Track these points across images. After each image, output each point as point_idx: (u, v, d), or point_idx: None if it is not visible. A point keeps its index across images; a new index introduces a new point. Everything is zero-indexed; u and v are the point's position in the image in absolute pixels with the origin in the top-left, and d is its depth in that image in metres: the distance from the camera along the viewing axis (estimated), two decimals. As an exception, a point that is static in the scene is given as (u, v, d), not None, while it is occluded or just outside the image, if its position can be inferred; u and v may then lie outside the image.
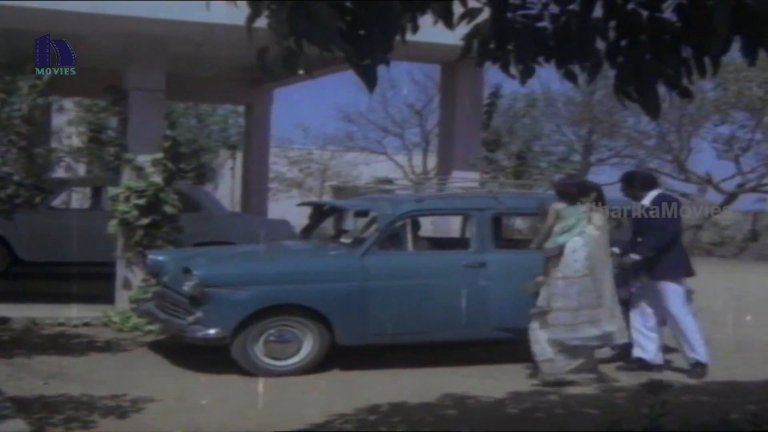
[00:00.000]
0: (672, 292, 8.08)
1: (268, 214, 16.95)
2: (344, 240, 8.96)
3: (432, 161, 26.55)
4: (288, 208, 19.51)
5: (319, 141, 32.27)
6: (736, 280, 16.15)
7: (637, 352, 8.21)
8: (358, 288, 8.02)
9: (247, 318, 7.74)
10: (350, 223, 9.24)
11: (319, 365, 7.95)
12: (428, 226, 10.20)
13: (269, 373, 7.75)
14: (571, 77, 3.77)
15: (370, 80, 3.57)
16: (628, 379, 7.77)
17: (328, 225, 10.15)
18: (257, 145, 17.16)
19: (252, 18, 3.46)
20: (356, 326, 8.01)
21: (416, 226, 8.92)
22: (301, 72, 3.46)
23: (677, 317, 8.06)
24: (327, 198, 29.11)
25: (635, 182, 8.33)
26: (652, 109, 3.54)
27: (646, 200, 8.18)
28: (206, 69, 15.33)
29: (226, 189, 29.31)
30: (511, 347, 8.12)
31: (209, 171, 30.11)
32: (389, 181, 11.47)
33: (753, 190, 27.65)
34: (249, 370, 7.76)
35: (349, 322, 7.99)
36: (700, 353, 8.06)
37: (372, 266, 8.12)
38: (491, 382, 7.71)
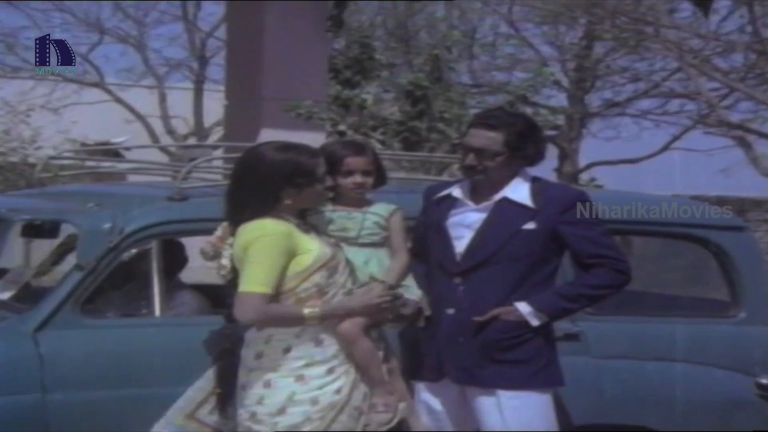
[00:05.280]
0: (540, 411, 6.92)
1: None
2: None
3: (215, 107, 25.05)
4: None
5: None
6: None
7: None
8: (27, 407, 6.68)
9: None
10: (12, 254, 8.70)
11: None
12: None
13: None
14: None
15: None
16: None
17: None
18: None
19: None
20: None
21: (176, 257, 7.82)
22: None
23: None
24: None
25: (529, 140, 7.03)
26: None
27: (517, 193, 6.89)
28: None
29: None
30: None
31: None
32: (114, 153, 10.36)
33: None
34: None
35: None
36: None
37: (61, 356, 6.81)
38: None
